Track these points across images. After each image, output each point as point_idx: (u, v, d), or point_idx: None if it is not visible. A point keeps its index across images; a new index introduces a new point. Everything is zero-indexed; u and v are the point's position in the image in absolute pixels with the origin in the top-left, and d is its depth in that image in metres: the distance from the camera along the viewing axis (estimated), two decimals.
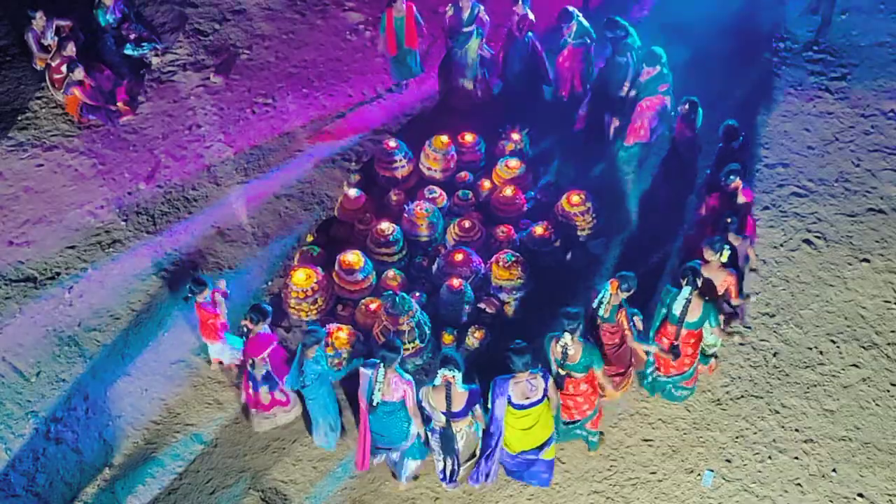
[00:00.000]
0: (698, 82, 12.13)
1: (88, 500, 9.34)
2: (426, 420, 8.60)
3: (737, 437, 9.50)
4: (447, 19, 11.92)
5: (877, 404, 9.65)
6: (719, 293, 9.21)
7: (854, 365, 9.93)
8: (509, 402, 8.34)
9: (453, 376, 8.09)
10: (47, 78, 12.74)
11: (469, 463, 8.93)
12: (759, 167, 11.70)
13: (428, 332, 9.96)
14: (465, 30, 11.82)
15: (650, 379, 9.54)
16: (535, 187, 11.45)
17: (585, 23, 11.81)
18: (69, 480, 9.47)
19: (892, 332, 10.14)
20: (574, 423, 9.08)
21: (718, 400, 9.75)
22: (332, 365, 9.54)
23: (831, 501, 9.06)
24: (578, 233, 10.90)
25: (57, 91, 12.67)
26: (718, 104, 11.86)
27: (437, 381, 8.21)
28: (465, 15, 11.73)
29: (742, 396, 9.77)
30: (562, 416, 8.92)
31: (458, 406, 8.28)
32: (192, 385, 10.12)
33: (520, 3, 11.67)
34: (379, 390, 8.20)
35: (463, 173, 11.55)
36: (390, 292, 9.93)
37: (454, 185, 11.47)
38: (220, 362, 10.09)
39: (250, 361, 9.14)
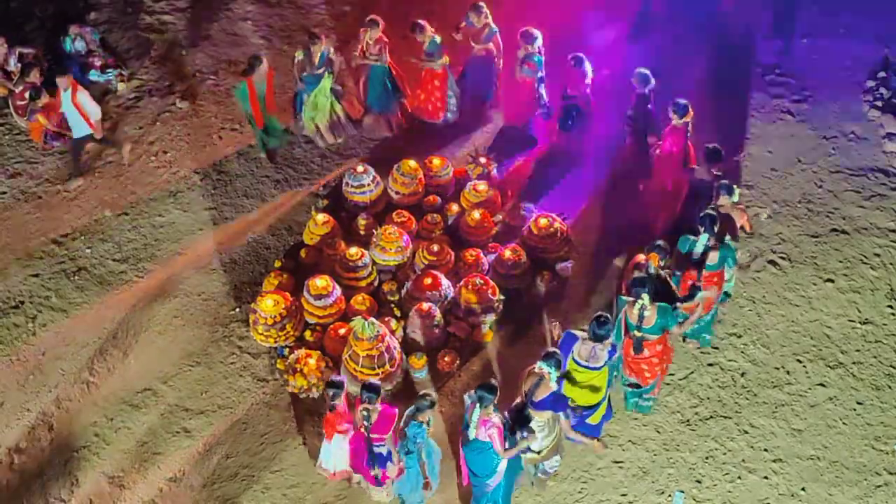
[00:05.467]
0: (660, 105, 12.21)
1: None
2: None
3: (706, 458, 9.53)
4: (297, 64, 12.06)
5: (844, 423, 9.73)
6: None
7: (820, 384, 10.01)
8: (572, 357, 8.79)
9: (549, 373, 8.20)
10: (10, 104, 12.61)
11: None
12: None
13: (398, 356, 9.93)
14: (317, 72, 11.98)
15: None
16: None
17: (438, 40, 11.98)
18: None
19: (857, 350, 10.24)
20: (640, 389, 9.36)
21: (687, 420, 9.79)
22: (301, 392, 9.46)
23: None
24: (547, 255, 10.94)
25: (20, 118, 12.54)
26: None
27: (536, 368, 8.31)
28: (316, 59, 11.92)
29: (711, 417, 9.81)
30: (629, 376, 9.35)
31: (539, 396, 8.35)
32: (159, 414, 10.01)
33: (367, 29, 11.85)
34: (473, 426, 8.17)
35: (431, 197, 11.57)
36: (359, 317, 9.90)
37: (422, 209, 11.49)
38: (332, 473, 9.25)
39: (378, 444, 8.55)
